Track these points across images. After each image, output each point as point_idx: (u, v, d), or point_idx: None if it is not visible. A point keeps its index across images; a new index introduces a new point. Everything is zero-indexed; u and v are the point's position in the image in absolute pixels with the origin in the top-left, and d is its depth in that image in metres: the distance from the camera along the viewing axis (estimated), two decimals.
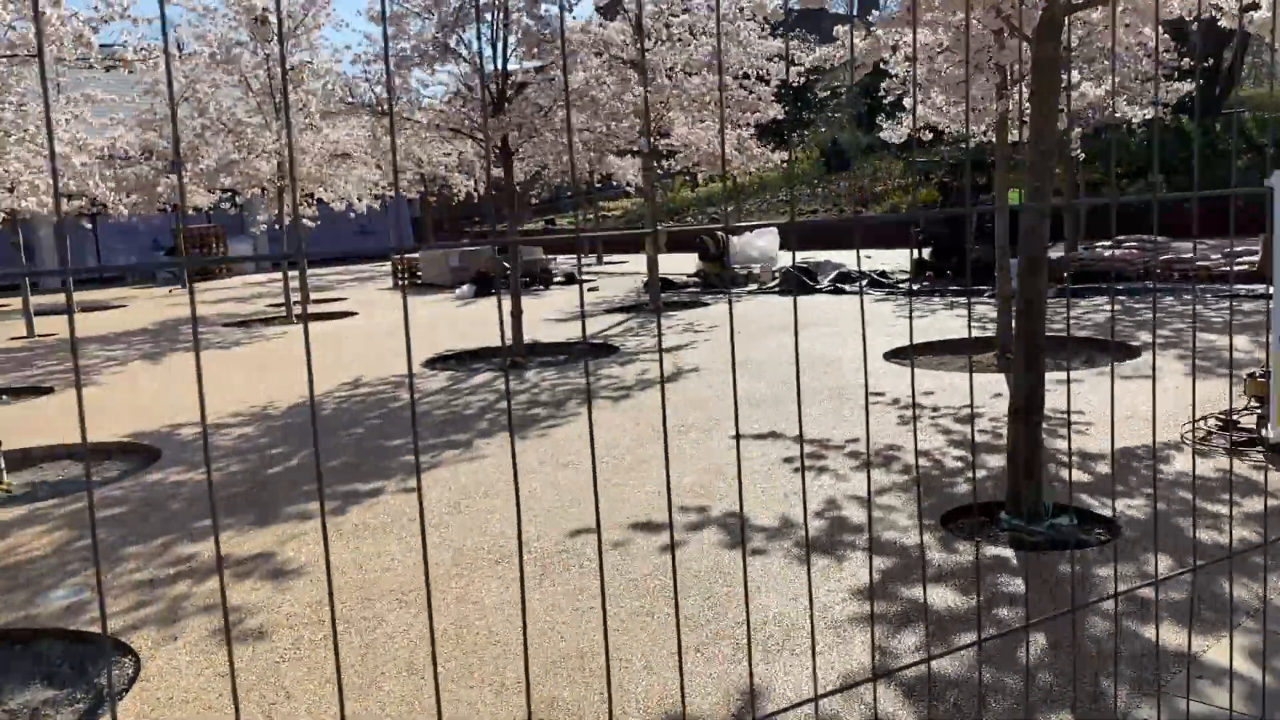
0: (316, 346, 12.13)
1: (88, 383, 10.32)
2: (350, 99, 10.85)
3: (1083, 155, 14.29)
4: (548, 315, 13.97)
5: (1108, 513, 4.71)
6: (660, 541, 4.66)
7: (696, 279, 16.69)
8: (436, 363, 10.47)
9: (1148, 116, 10.65)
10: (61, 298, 21.08)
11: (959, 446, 6.02)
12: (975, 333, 10.36)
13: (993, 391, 7.50)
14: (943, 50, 7.20)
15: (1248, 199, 12.93)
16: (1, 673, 3.77)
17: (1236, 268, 13.08)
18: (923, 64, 7.82)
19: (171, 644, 3.80)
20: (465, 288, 17.58)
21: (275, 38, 14.88)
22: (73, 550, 4.97)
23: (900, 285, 14.48)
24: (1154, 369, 3.08)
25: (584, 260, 25.39)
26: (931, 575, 4.10)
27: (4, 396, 10.07)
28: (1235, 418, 5.98)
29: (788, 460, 5.88)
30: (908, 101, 9.55)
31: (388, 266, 26.03)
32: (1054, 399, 7.14)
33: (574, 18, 10.13)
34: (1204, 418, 6.19)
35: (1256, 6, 5.95)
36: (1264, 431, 5.69)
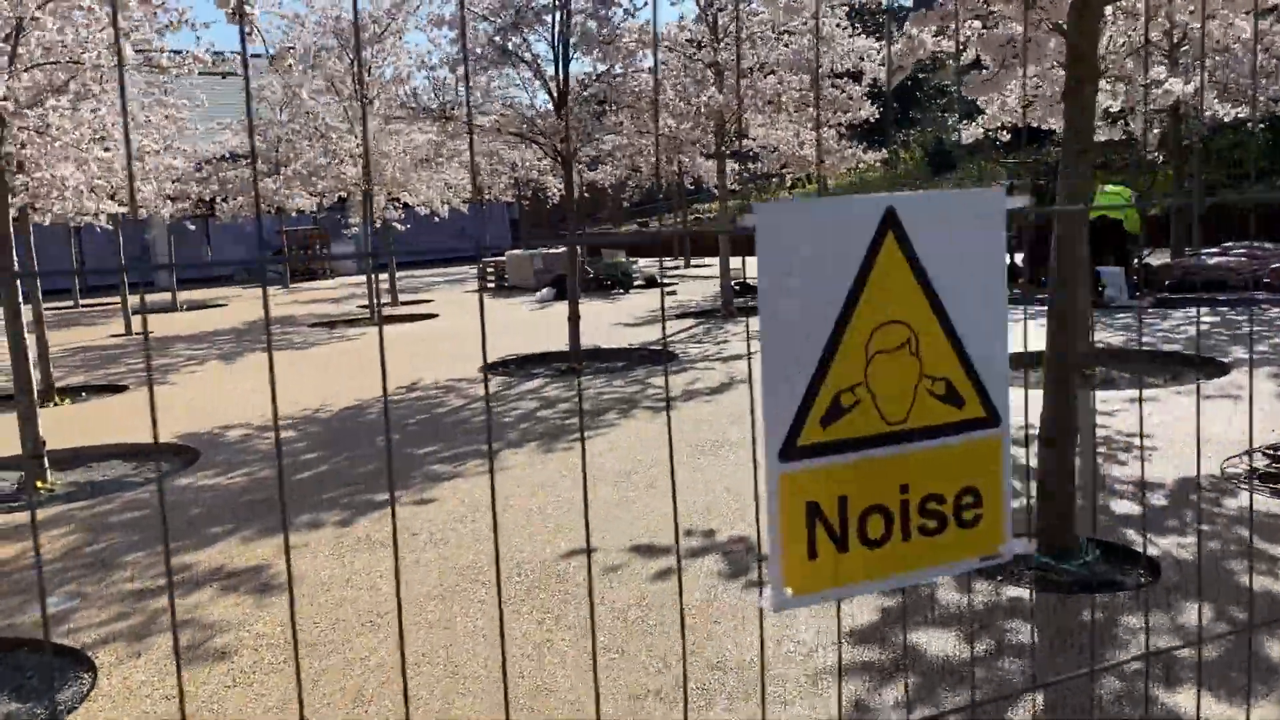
0: (389, 349, 12.21)
1: (161, 381, 10.56)
2: (414, 104, 10.85)
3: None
4: (619, 319, 13.79)
5: (1155, 550, 4.28)
6: (656, 567, 4.41)
7: None
8: (497, 367, 10.39)
9: (1240, 115, 9.87)
10: (167, 296, 21.86)
11: (1019, 472, 5.59)
12: None
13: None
14: (964, 46, 6.74)
15: None
16: None
17: None
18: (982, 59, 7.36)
19: (133, 660, 3.72)
20: (545, 290, 17.54)
21: (353, 45, 15.07)
22: (82, 555, 4.98)
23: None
24: (1248, 389, 2.70)
25: (672, 262, 25.18)
26: (937, 618, 3.75)
27: (83, 394, 10.37)
28: None
29: None
30: (982, 101, 9.06)
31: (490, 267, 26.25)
32: (1125, 420, 6.63)
33: (634, 18, 9.89)
34: (1259, 450, 5.61)
35: None
36: None
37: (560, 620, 3.89)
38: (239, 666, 3.63)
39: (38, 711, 3.54)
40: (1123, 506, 4.90)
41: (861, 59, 14.75)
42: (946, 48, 7.10)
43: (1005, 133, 9.49)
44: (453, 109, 9.79)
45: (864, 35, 14.85)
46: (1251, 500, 2.56)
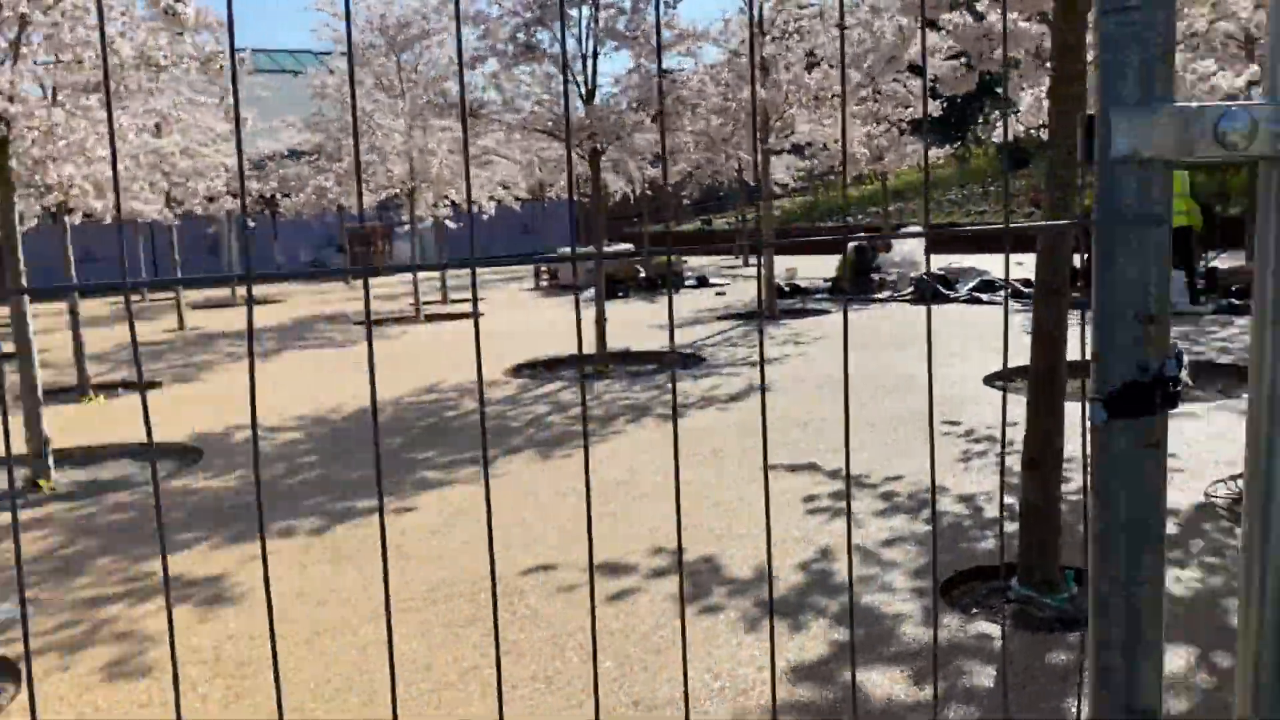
0: (422, 348, 12.19)
1: (193, 378, 10.66)
2: (441, 101, 10.79)
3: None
4: (659, 321, 13.58)
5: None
6: (614, 588, 4.20)
7: (830, 284, 15.96)
8: (523, 369, 10.26)
9: None
10: (223, 292, 22.25)
11: (1013, 492, 5.26)
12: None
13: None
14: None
15: None
16: None
17: None
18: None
19: (60, 674, 3.64)
20: (592, 290, 17.40)
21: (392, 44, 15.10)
22: (53, 558, 4.95)
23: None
24: None
25: (730, 261, 24.87)
26: (892, 654, 3.49)
27: (119, 390, 10.52)
28: None
29: (809, 499, 5.29)
30: (1017, 95, 8.63)
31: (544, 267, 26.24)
32: None
33: (674, 12, 9.66)
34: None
35: None
36: None
37: (503, 644, 3.70)
38: (162, 683, 3.52)
39: None
40: None
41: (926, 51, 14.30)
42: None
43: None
44: (480, 107, 9.69)
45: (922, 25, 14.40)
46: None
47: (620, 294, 17.30)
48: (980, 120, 33.43)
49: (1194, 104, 0.91)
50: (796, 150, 18.67)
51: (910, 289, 14.55)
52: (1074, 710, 3.08)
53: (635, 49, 9.01)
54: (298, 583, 4.43)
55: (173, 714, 3.31)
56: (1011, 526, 4.67)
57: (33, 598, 4.40)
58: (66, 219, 9.40)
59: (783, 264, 20.51)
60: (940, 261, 16.40)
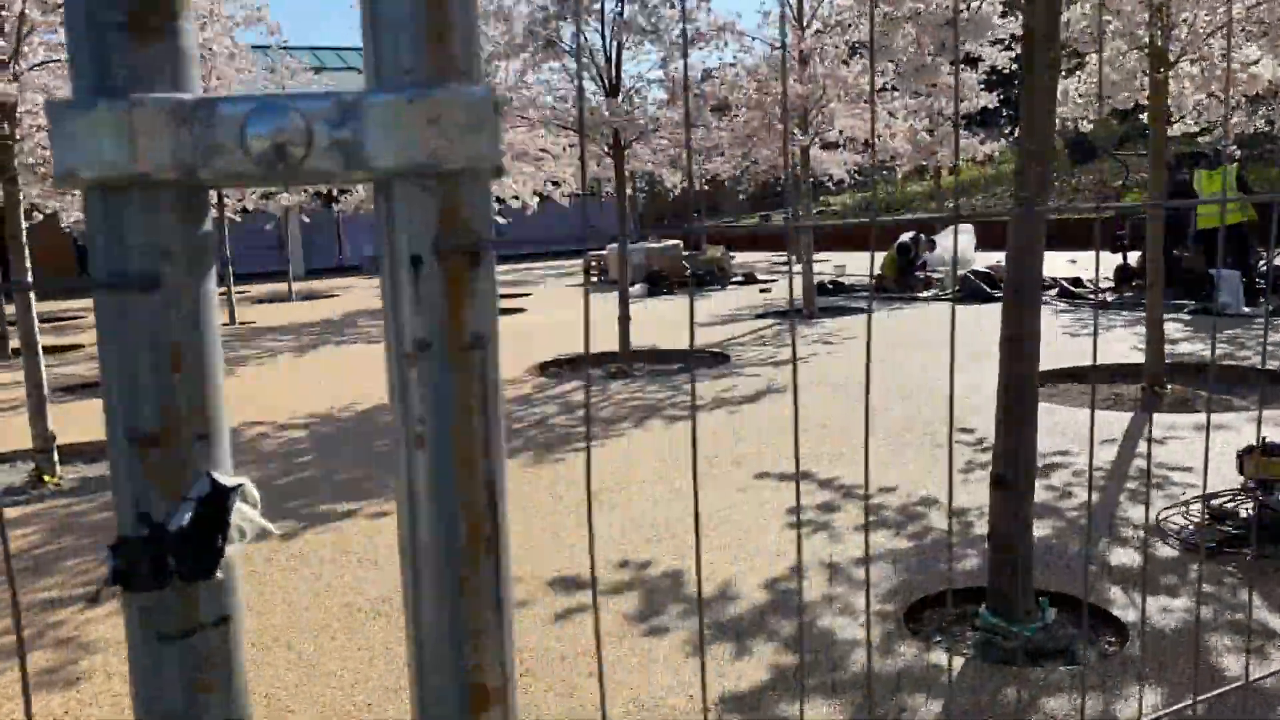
0: None
1: (227, 374, 10.73)
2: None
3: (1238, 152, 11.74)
4: (697, 318, 13.36)
5: (1132, 614, 3.66)
6: (566, 605, 4.04)
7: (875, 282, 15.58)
8: (549, 366, 10.16)
9: None
10: (281, 287, 22.56)
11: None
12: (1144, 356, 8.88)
13: (1106, 435, 6.26)
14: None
15: None
16: None
17: None
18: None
19: None
20: (639, 286, 17.25)
21: None
22: (27, 556, 4.95)
23: (1098, 294, 12.80)
24: None
25: (781, 258, 24.52)
26: (833, 685, 3.27)
27: None
28: (1234, 503, 4.59)
29: (793, 510, 5.07)
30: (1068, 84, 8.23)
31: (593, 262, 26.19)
32: (1175, 449, 5.86)
33: (698, 6, 9.45)
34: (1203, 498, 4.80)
35: None
36: None
37: None
38: (82, 695, 3.45)
39: None
40: (1124, 556, 4.25)
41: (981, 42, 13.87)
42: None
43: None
44: (506, 105, 9.58)
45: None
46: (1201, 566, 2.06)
47: (664, 290, 17.12)
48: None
49: (201, 95, 0.60)
50: (853, 145, 18.30)
51: (956, 287, 14.11)
52: None
53: (658, 43, 8.81)
54: (247, 589, 4.35)
55: None
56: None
57: None
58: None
59: (838, 259, 20.14)
60: (991, 259, 15.92)
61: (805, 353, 9.80)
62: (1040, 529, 4.59)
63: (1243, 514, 4.49)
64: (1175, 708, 3.03)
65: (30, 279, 6.69)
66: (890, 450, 6.06)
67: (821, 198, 33.68)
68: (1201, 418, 6.52)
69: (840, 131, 13.82)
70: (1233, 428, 6.26)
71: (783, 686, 3.28)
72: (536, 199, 17.75)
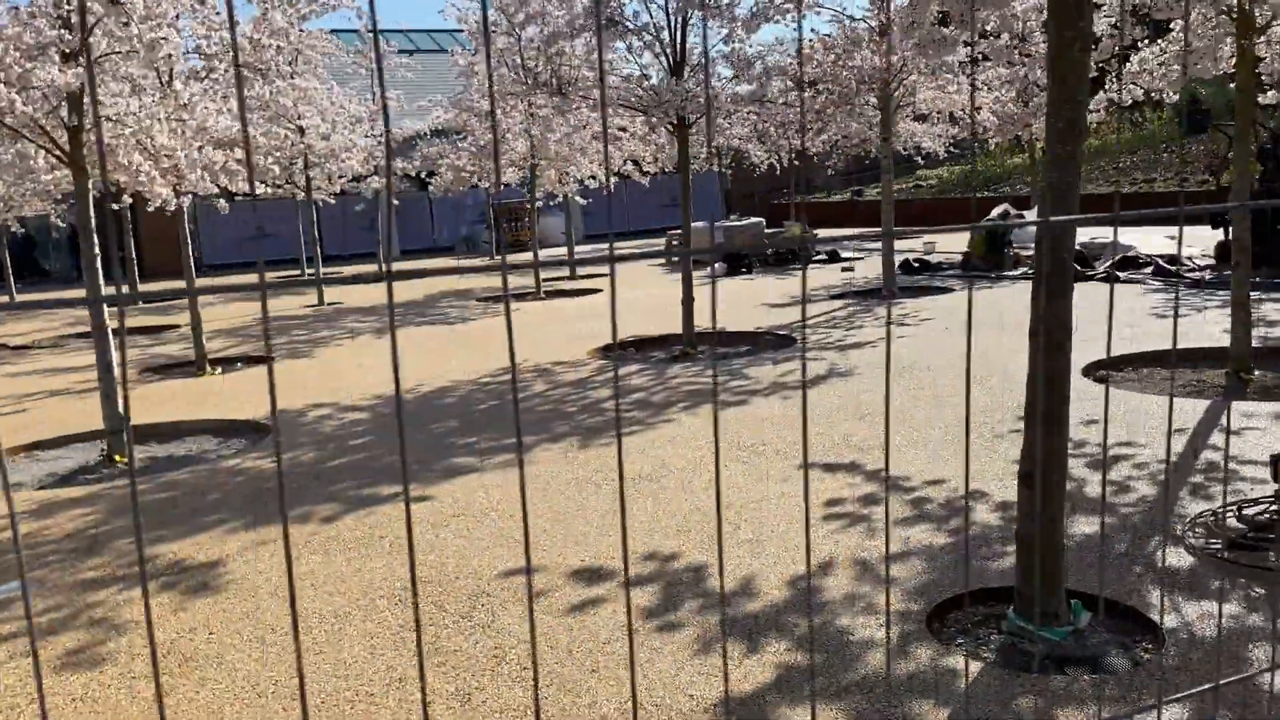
0: (524, 326, 12.20)
1: (305, 354, 10.99)
2: (525, 80, 10.66)
3: None
4: (770, 299, 13.16)
5: (1173, 619, 3.44)
6: (588, 595, 3.99)
7: (961, 260, 15.13)
8: (613, 348, 10.11)
9: None
10: (371, 267, 22.98)
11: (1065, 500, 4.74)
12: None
13: (1179, 424, 5.93)
14: None
15: None
16: None
17: None
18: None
19: (21, 660, 3.72)
20: (718, 265, 17.07)
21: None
22: (82, 536, 5.12)
23: (1195, 273, 12.19)
24: None
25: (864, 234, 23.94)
26: (841, 687, 3.15)
27: (239, 364, 10.96)
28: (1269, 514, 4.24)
29: (832, 502, 4.92)
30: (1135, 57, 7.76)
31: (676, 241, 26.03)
32: (1252, 441, 5.54)
33: None
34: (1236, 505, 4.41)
35: None
36: None
37: (436, 650, 3.57)
38: (103, 678, 3.54)
39: None
40: (1175, 558, 4.01)
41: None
42: None
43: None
44: (568, 85, 9.53)
45: None
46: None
47: (744, 269, 16.91)
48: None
49: None
50: (952, 119, 17.77)
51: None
52: None
53: (719, 19, 8.63)
54: (278, 574, 4.41)
55: (100, 712, 3.32)
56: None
57: (41, 578, 4.55)
58: (176, 201, 9.83)
59: (926, 237, 19.62)
60: (1085, 235, 15.28)
61: (875, 335, 9.55)
62: (1089, 526, 4.37)
63: None
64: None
65: (100, 264, 6.88)
66: (949, 440, 5.85)
67: (918, 171, 32.89)
68: (1246, 406, 6.12)
69: (923, 105, 13.43)
70: None
71: (786, 689, 3.17)
72: (615, 178, 17.71)
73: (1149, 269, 12.54)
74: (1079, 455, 5.42)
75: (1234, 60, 6.58)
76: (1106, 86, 11.09)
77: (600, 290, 15.80)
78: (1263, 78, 6.91)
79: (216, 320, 14.77)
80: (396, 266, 24.18)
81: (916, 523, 4.57)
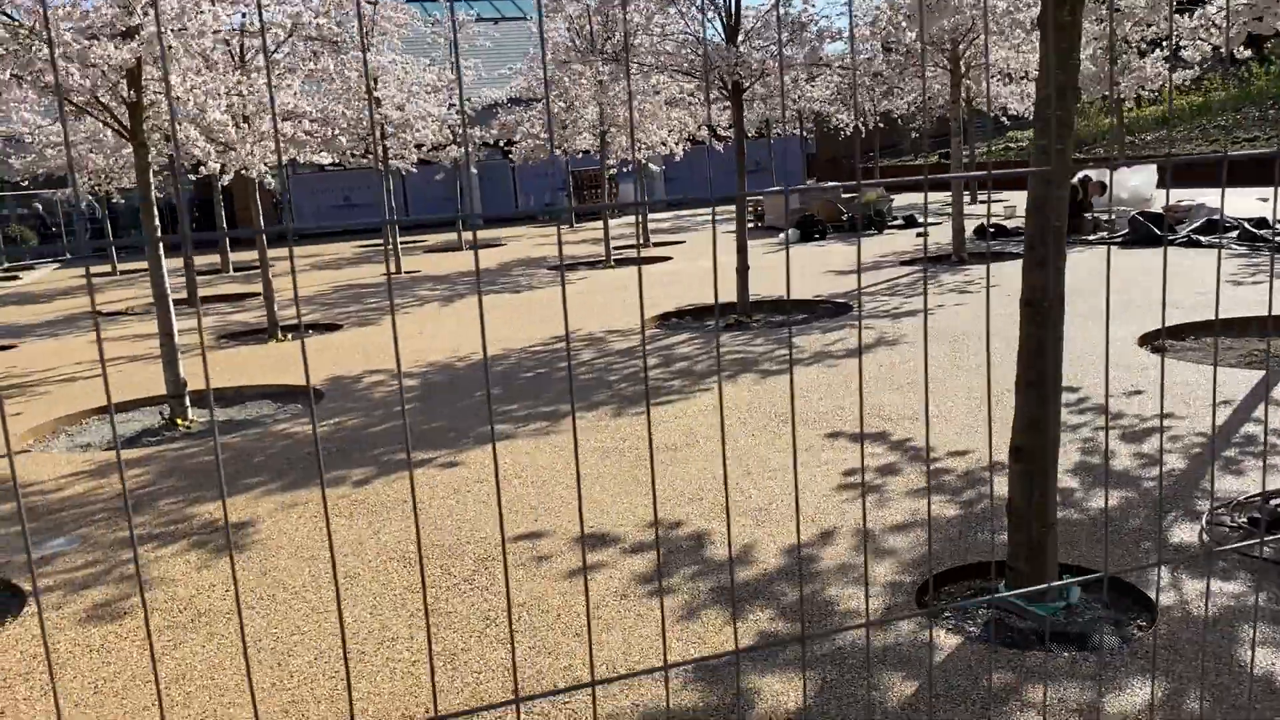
0: (586, 294, 12.29)
1: (370, 322, 11.26)
2: (577, 47, 10.64)
3: None
4: (835, 266, 12.99)
5: (1170, 597, 3.36)
6: (589, 559, 4.05)
7: None
8: (671, 316, 10.14)
9: None
10: (452, 237, 23.34)
11: (1083, 474, 4.64)
12: None
13: (1224, 395, 5.72)
14: None
15: None
16: None
17: None
18: None
19: (51, 613, 3.95)
20: (791, 231, 16.90)
21: None
22: (132, 496, 5.38)
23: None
24: None
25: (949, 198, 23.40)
26: (814, 656, 3.16)
27: (309, 331, 11.30)
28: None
29: (850, 472, 4.89)
30: None
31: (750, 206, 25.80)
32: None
33: None
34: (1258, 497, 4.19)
35: None
36: None
37: (433, 611, 3.68)
38: (120, 630, 3.74)
39: None
40: (1188, 535, 3.90)
41: None
42: None
43: None
44: (620, 51, 9.52)
45: None
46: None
47: (817, 235, 16.71)
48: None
49: None
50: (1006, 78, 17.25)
51: (1126, 230, 13.14)
52: None
53: None
54: (300, 538, 4.58)
55: (111, 662, 3.52)
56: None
57: (85, 534, 4.81)
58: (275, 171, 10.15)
59: (1007, 200, 19.08)
60: (1170, 197, 14.68)
61: (934, 303, 9.38)
62: (1111, 499, 4.26)
63: None
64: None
65: (159, 237, 7.14)
66: (982, 411, 5.75)
67: (1009, 133, 31.98)
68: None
69: (998, 65, 13.04)
70: None
71: (759, 658, 3.19)
72: (689, 144, 17.62)
73: (1235, 233, 12.02)
74: (1114, 427, 5.28)
75: None
76: (1163, 44, 10.60)
77: (671, 258, 15.79)
78: None
79: (299, 288, 15.22)
80: (479, 235, 24.49)
81: (931, 493, 4.52)
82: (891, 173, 31.08)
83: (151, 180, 7.04)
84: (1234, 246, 11.58)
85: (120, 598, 4.04)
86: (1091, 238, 13.49)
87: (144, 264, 20.12)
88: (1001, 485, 4.56)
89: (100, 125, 9.45)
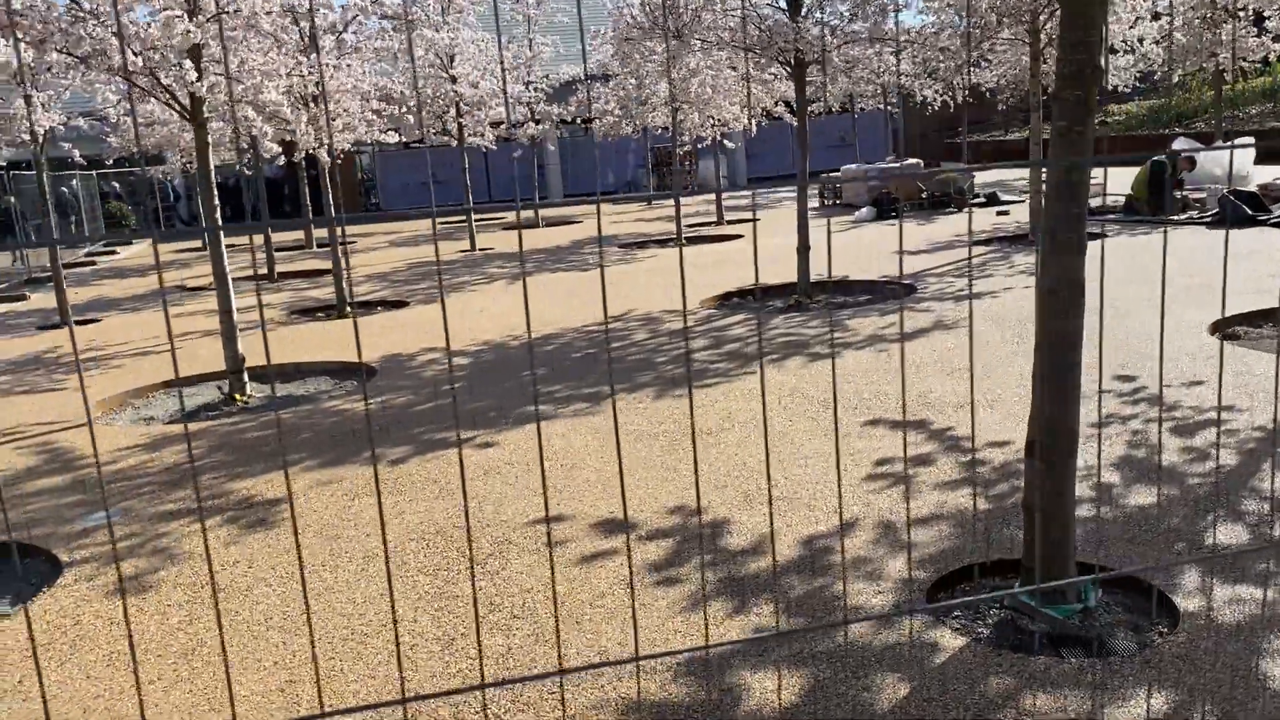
0: (650, 273, 12.23)
1: (437, 299, 11.38)
2: (639, 25, 10.53)
3: None
4: (909, 245, 12.69)
5: (1194, 602, 3.20)
6: (603, 546, 4.04)
7: (1124, 203, 14.14)
8: (732, 297, 10.04)
9: None
10: (528, 213, 23.45)
11: (1126, 468, 4.45)
12: None
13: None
14: None
15: None
16: None
17: None
18: None
19: (82, 585, 4.08)
20: (865, 210, 16.56)
21: None
22: (177, 470, 5.53)
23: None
24: None
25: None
26: (808, 654, 3.08)
27: (378, 308, 11.49)
28: None
29: (882, 462, 4.77)
30: None
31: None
32: None
33: None
34: None
35: None
36: None
37: (441, 595, 3.69)
38: (142, 603, 3.84)
39: None
40: (1226, 535, 3.70)
41: None
42: None
43: None
44: (682, 28, 9.41)
45: None
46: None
47: (893, 214, 16.36)
48: None
49: None
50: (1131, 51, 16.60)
51: (1215, 210, 12.56)
52: None
53: None
54: (330, 515, 4.65)
55: (133, 632, 3.62)
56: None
57: (129, 508, 4.95)
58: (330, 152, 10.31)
59: (1098, 176, 18.39)
60: (1268, 175, 13.98)
61: (998, 285, 9.09)
62: (1148, 496, 4.08)
63: None
64: None
65: (219, 218, 7.30)
66: (1026, 401, 5.55)
67: (1107, 106, 30.84)
68: None
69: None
70: None
71: (755, 653, 3.13)
72: (765, 120, 17.38)
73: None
74: (1167, 419, 5.04)
75: None
76: (1268, 16, 10.07)
77: (742, 236, 15.63)
78: None
79: (376, 265, 15.50)
80: (560, 213, 24.59)
81: (961, 486, 4.38)
82: (983, 148, 30.24)
83: (211, 160, 7.19)
84: None
85: (149, 570, 4.15)
86: (1180, 217, 12.93)
87: (234, 239, 20.67)
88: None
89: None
